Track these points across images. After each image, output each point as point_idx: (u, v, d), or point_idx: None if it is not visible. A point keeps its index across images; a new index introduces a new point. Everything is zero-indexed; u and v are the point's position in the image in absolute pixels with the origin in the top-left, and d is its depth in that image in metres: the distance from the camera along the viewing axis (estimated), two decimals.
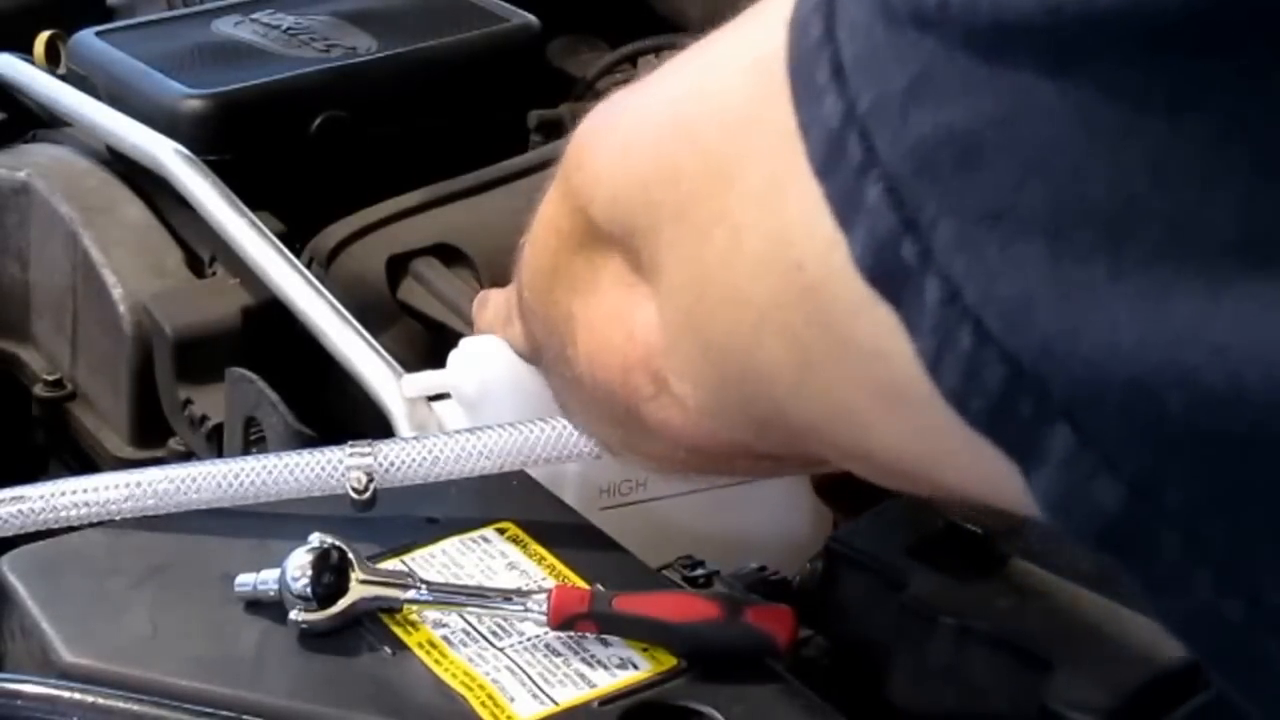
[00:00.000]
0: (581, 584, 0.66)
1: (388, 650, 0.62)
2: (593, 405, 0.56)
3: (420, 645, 0.63)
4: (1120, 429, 0.32)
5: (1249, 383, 0.30)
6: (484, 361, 0.81)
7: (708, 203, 0.42)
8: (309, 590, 0.63)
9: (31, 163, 1.16)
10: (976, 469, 0.35)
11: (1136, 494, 0.33)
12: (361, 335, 0.91)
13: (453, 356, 0.83)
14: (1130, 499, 0.33)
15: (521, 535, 0.69)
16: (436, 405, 0.84)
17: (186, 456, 1.01)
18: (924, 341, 0.34)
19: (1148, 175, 0.30)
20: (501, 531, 0.69)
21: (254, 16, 1.25)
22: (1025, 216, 0.32)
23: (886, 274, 0.34)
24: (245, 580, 0.64)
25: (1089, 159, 0.31)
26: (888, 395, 0.37)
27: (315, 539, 0.64)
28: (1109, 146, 0.30)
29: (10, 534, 0.68)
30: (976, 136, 0.32)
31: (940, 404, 0.34)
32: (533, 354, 0.65)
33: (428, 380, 0.84)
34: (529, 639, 0.63)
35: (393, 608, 0.64)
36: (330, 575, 0.63)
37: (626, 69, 1.29)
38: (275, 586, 0.63)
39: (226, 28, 1.24)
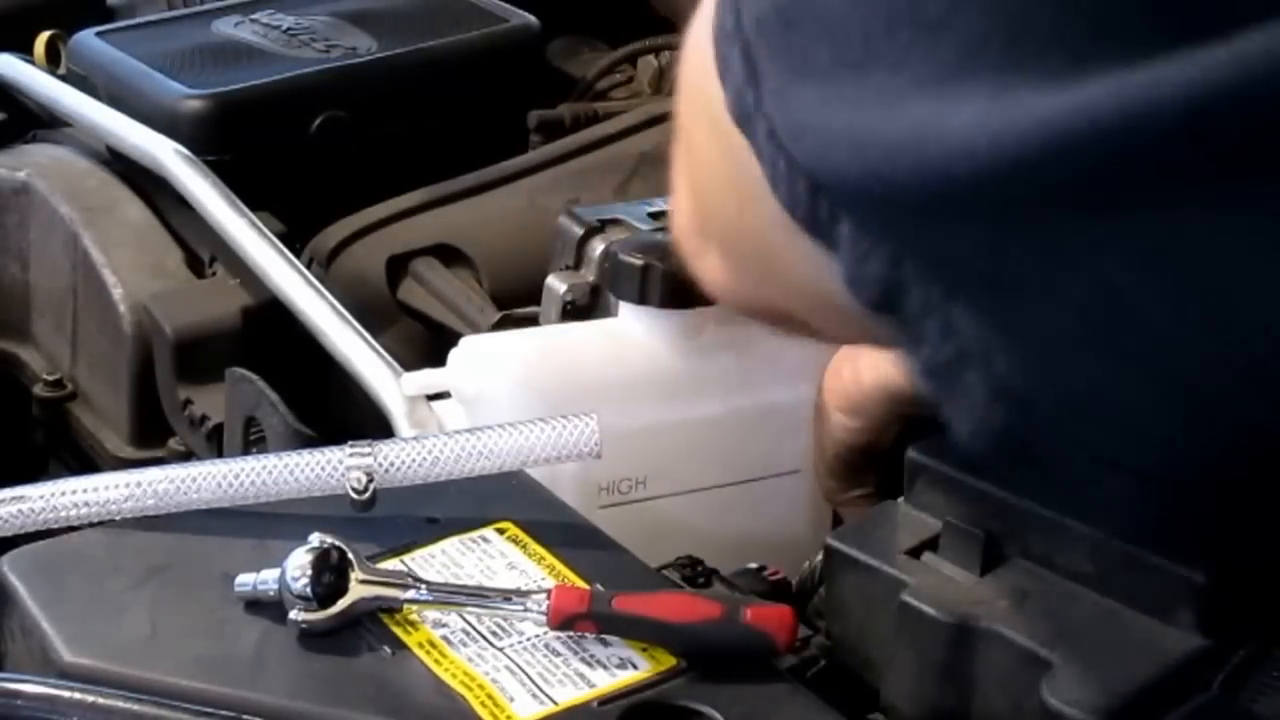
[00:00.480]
0: (581, 584, 0.66)
1: (387, 650, 0.62)
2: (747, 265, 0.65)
3: (420, 645, 0.63)
4: (873, 215, 0.43)
5: (932, 172, 0.40)
6: (484, 361, 0.81)
7: (692, 86, 0.52)
8: (309, 590, 0.63)
9: (32, 163, 1.16)
10: (819, 268, 0.46)
11: (891, 265, 0.44)
12: (361, 335, 0.91)
13: (453, 355, 0.83)
14: (890, 272, 0.44)
15: (521, 535, 0.69)
16: (436, 404, 0.84)
17: (186, 456, 1.01)
18: (764, 168, 0.45)
19: (883, 23, 0.40)
20: (501, 531, 0.69)
21: (254, 17, 1.25)
22: (812, 67, 0.43)
23: (740, 117, 0.46)
24: (245, 580, 0.64)
25: (849, 20, 0.41)
26: (777, 224, 0.46)
27: (315, 539, 0.64)
28: (863, 14, 0.41)
29: (10, 534, 0.68)
30: (790, 9, 0.43)
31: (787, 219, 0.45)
32: None
33: (427, 379, 0.84)
34: (528, 639, 0.63)
35: (392, 608, 0.64)
36: (330, 575, 0.63)
37: (626, 69, 1.30)
38: (275, 586, 0.63)
39: (226, 28, 1.24)
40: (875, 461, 0.78)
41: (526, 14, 1.26)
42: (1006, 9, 0.39)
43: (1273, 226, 0.38)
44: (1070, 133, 0.38)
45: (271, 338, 1.00)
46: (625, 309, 0.83)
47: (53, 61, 1.26)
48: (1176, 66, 0.36)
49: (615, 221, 0.90)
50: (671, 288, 0.81)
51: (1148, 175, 0.38)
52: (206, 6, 1.30)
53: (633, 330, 0.83)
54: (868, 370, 0.76)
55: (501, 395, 0.80)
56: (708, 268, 0.61)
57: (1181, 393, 0.42)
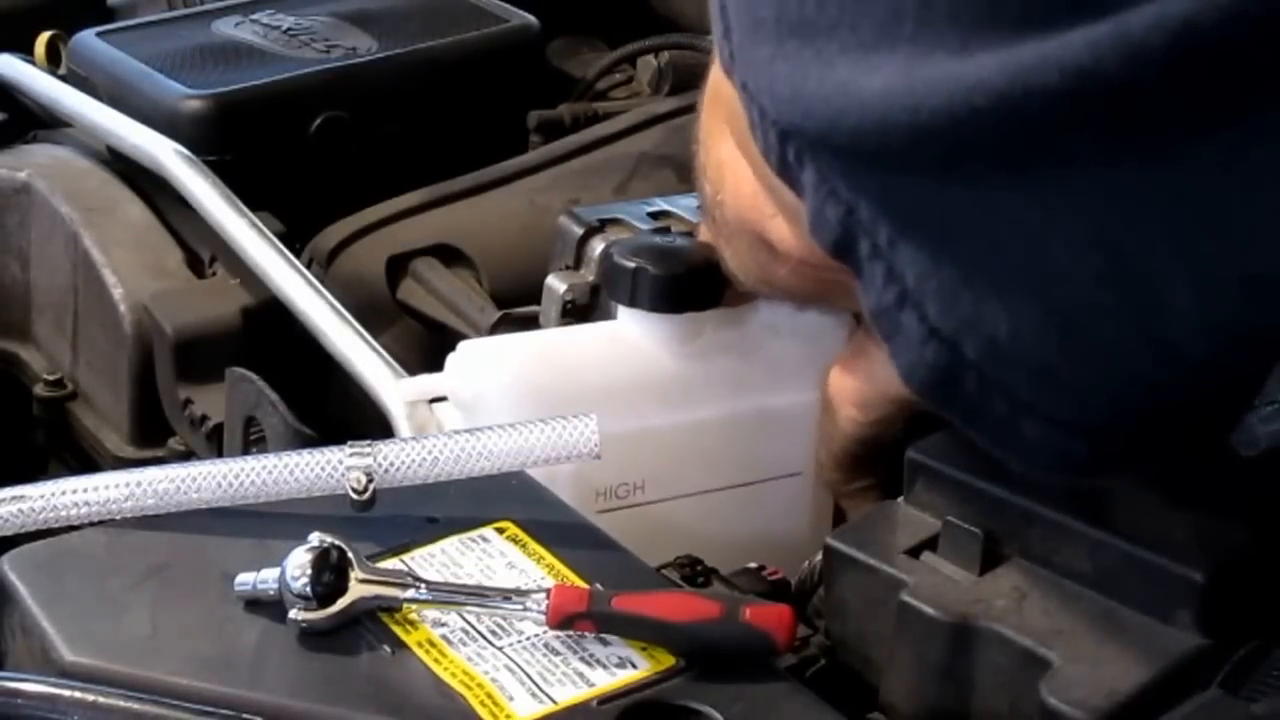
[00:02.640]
0: (580, 583, 0.66)
1: (387, 649, 0.62)
2: (740, 241, 0.73)
3: (420, 644, 0.63)
4: (831, 163, 0.47)
5: (878, 122, 0.44)
6: (480, 365, 0.81)
7: None
8: (309, 589, 0.63)
9: (32, 163, 1.16)
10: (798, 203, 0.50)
11: (848, 212, 0.48)
12: (361, 335, 0.91)
13: (450, 360, 0.83)
14: (844, 216, 0.48)
15: (520, 535, 0.69)
16: (435, 407, 0.84)
17: (186, 456, 1.02)
18: (746, 115, 0.50)
19: None
20: (500, 531, 0.69)
21: (254, 17, 1.25)
22: (762, 26, 0.47)
23: (724, 68, 0.51)
24: (245, 579, 0.64)
25: None
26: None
27: (315, 538, 0.64)
28: None
29: (10, 533, 0.68)
30: None
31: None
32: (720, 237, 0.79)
33: (424, 384, 0.84)
34: (528, 638, 0.63)
35: (392, 607, 0.64)
36: (330, 574, 0.63)
37: (626, 69, 1.30)
38: (275, 586, 0.63)
39: (227, 28, 1.24)
40: (880, 455, 0.79)
41: (526, 14, 1.26)
42: None
43: (1156, 180, 0.43)
44: (971, 99, 0.42)
45: (271, 338, 1.00)
46: (623, 312, 0.83)
47: (53, 62, 1.26)
48: (1057, 42, 0.41)
49: (615, 221, 0.90)
50: (662, 291, 0.81)
51: (1041, 136, 0.42)
52: (207, 7, 1.30)
53: (630, 333, 0.83)
54: (875, 365, 0.77)
55: (498, 399, 0.80)
56: (778, 228, 0.67)
57: (1086, 343, 0.47)
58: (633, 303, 0.82)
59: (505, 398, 0.79)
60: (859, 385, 0.78)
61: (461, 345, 0.83)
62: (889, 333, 0.50)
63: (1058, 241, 0.45)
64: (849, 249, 0.49)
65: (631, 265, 0.81)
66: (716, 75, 0.68)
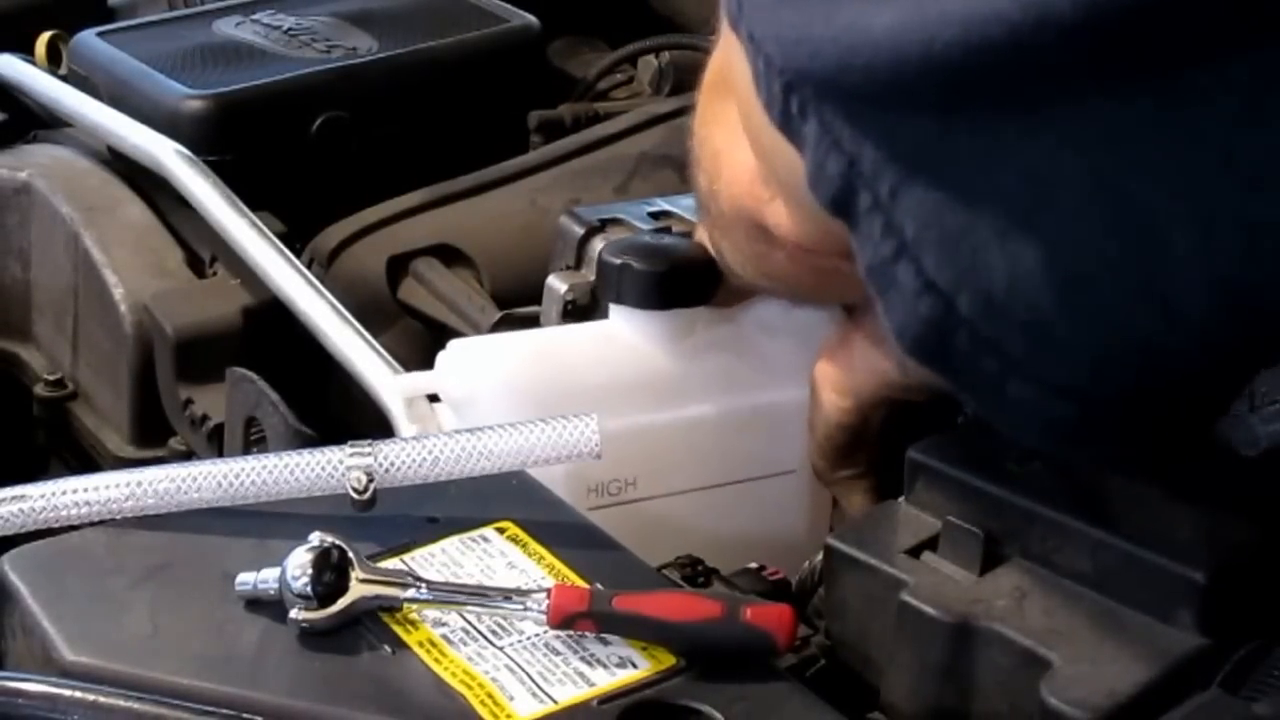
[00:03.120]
0: (581, 583, 0.66)
1: (388, 649, 0.62)
2: (736, 231, 0.73)
3: (420, 644, 0.63)
4: (836, 110, 0.47)
5: (890, 58, 0.44)
6: (471, 363, 0.81)
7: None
8: (309, 589, 0.63)
9: (33, 163, 1.16)
10: (799, 174, 0.50)
11: (850, 164, 0.48)
12: (362, 335, 0.91)
13: (440, 358, 0.83)
14: (846, 169, 0.48)
15: (521, 535, 0.69)
16: (435, 406, 0.84)
17: (187, 456, 1.02)
18: (750, 69, 0.50)
19: None
20: (501, 531, 0.69)
21: (255, 17, 1.25)
22: None
23: (731, 20, 0.51)
24: (246, 579, 0.64)
25: None
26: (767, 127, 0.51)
27: (315, 538, 0.64)
28: None
29: (11, 533, 0.68)
30: None
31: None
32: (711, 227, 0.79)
33: (417, 381, 0.84)
34: (528, 638, 0.63)
35: (393, 607, 0.64)
36: (330, 574, 0.63)
37: (626, 69, 1.30)
38: (275, 585, 0.63)
39: (227, 28, 1.24)
40: (864, 443, 0.79)
41: (527, 14, 1.26)
42: None
43: (1164, 119, 0.43)
44: (986, 29, 0.42)
45: (272, 338, 1.01)
46: (613, 310, 0.83)
47: (54, 62, 1.26)
48: None
49: (616, 221, 0.90)
50: (648, 287, 0.81)
51: (1053, 69, 0.42)
52: (207, 7, 1.30)
53: (620, 331, 0.83)
54: (860, 354, 0.77)
55: (489, 397, 0.80)
56: (775, 212, 0.66)
57: (1084, 296, 0.47)
58: (619, 299, 0.82)
59: (496, 395, 0.80)
60: (842, 373, 0.78)
61: (452, 343, 0.83)
62: (883, 288, 0.50)
63: (1062, 185, 0.45)
64: (848, 203, 0.49)
65: (618, 262, 0.82)
66: (718, 56, 0.68)
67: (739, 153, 0.66)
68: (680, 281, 0.82)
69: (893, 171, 0.47)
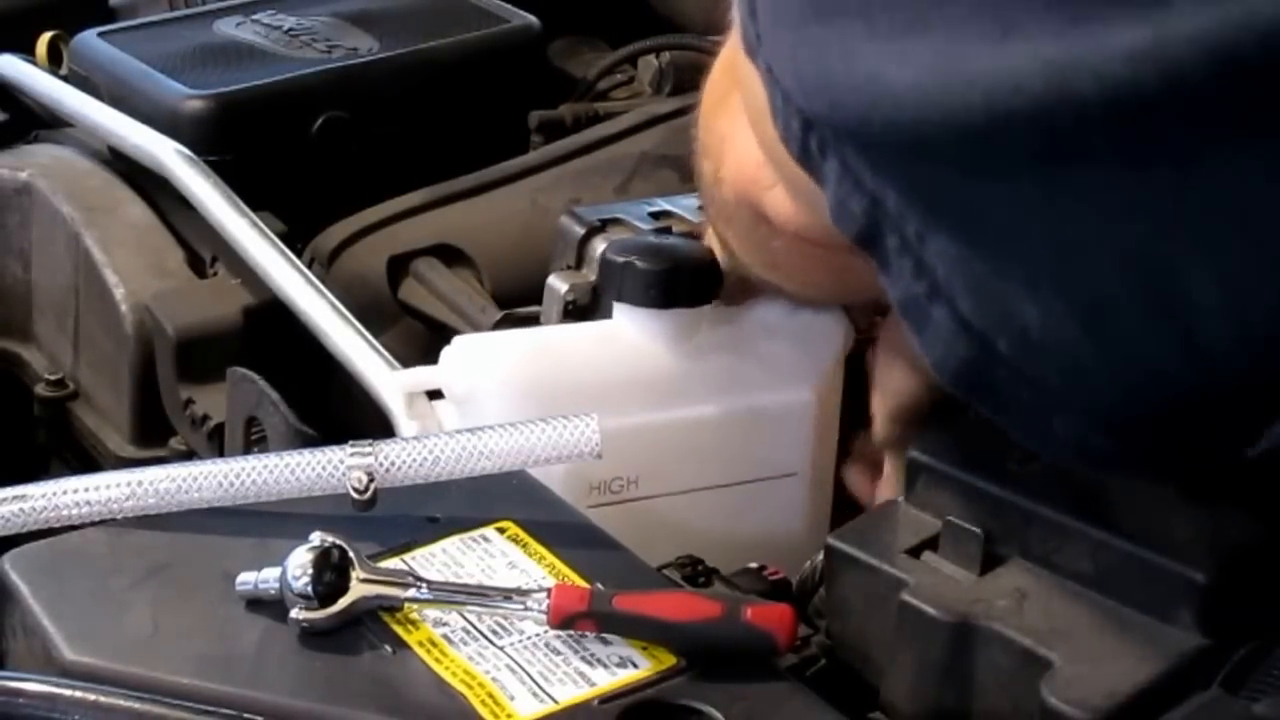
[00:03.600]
0: (581, 583, 0.66)
1: (388, 649, 0.63)
2: (738, 218, 0.72)
3: (421, 644, 0.63)
4: (857, 155, 0.47)
5: (912, 117, 0.43)
6: (475, 359, 0.81)
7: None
8: (310, 589, 0.63)
9: (34, 163, 1.16)
10: (818, 209, 0.50)
11: (873, 203, 0.47)
12: (362, 335, 0.91)
13: (445, 354, 0.83)
14: (869, 208, 0.48)
15: (521, 534, 0.69)
16: (435, 404, 0.85)
17: (188, 456, 1.01)
18: (770, 103, 0.49)
19: None
20: (501, 531, 0.69)
21: (255, 17, 1.25)
22: (786, 11, 0.47)
23: (747, 49, 0.51)
24: (246, 579, 0.64)
25: None
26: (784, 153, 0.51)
27: (316, 538, 0.64)
28: None
29: (12, 533, 0.68)
30: None
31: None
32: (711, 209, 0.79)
33: (419, 376, 0.85)
34: (529, 638, 0.63)
35: (393, 606, 0.64)
36: (331, 574, 0.63)
37: (627, 69, 1.30)
38: (276, 585, 0.63)
39: (228, 28, 1.24)
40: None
41: (527, 14, 1.26)
42: None
43: (1188, 186, 0.42)
44: (1009, 101, 0.41)
45: (273, 337, 1.00)
46: (619, 309, 0.83)
47: (54, 62, 1.26)
48: (1096, 45, 0.40)
49: (616, 221, 0.90)
50: (651, 286, 0.81)
51: (1074, 141, 0.42)
52: (208, 7, 1.30)
53: (625, 330, 0.83)
54: None
55: (492, 394, 0.80)
56: (776, 200, 0.66)
57: (1113, 338, 0.47)
58: (621, 297, 0.82)
59: (499, 392, 0.80)
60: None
61: (456, 340, 0.83)
62: (919, 325, 0.49)
63: (1086, 244, 0.45)
64: (874, 241, 0.49)
65: (622, 260, 0.82)
66: (734, 52, 0.68)
67: (744, 139, 0.65)
68: (684, 281, 0.82)
69: (917, 216, 0.47)
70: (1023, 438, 0.54)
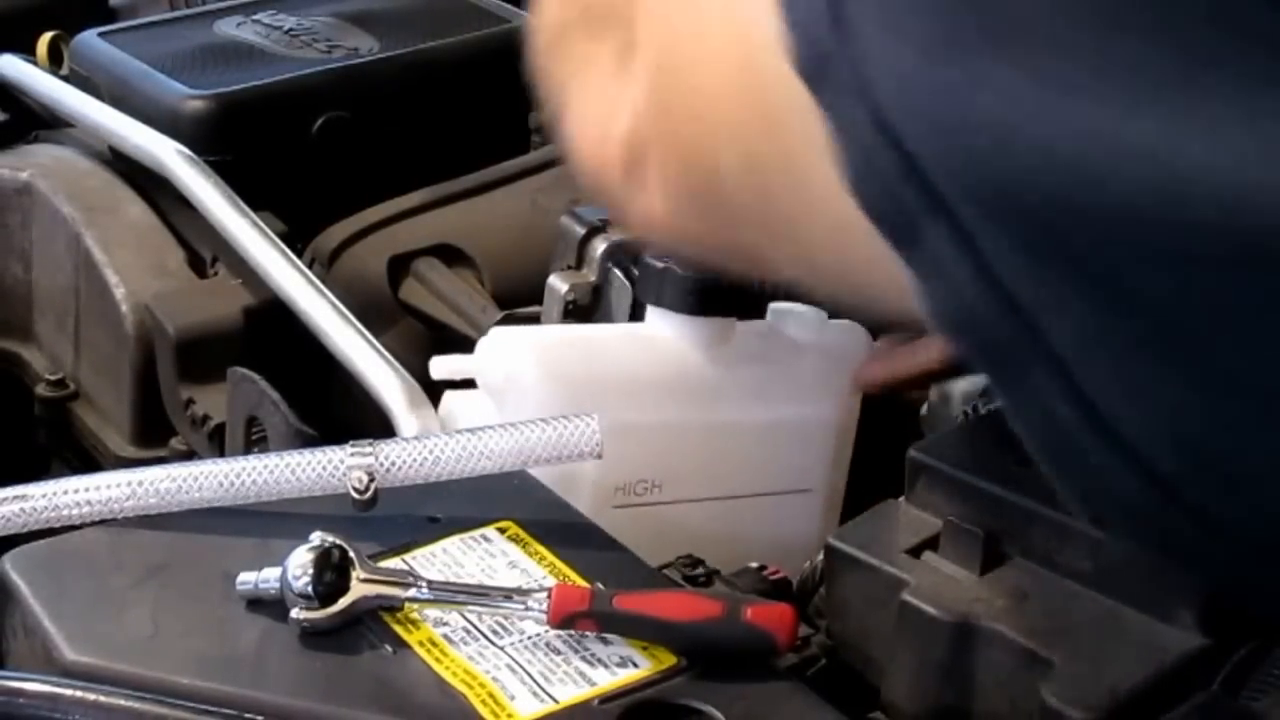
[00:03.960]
0: (582, 583, 0.66)
1: (389, 648, 0.63)
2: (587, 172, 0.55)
3: (421, 643, 0.63)
4: (993, 237, 0.34)
5: (1112, 191, 0.32)
6: (511, 351, 0.82)
7: None
8: (310, 589, 0.63)
9: (34, 163, 1.16)
10: (869, 261, 0.38)
11: (1009, 303, 0.35)
12: (363, 335, 0.91)
13: (481, 344, 0.83)
14: (1004, 306, 0.35)
15: (522, 534, 0.69)
16: (464, 392, 0.85)
17: (188, 456, 1.01)
18: (834, 134, 0.36)
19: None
20: (502, 530, 0.69)
21: (256, 17, 1.25)
22: (950, 36, 0.34)
23: (810, 70, 0.37)
24: (247, 579, 0.64)
25: None
26: (811, 190, 0.39)
27: (316, 538, 0.64)
28: None
29: (12, 533, 0.68)
30: None
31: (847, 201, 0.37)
32: None
33: (456, 364, 0.85)
34: (529, 637, 0.63)
35: (394, 606, 0.64)
36: (331, 574, 0.63)
37: None
38: (277, 585, 0.63)
39: (228, 29, 1.24)
40: None
41: (527, 14, 1.26)
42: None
43: None
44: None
45: (273, 338, 1.01)
46: (653, 312, 0.84)
47: (55, 62, 1.26)
48: None
49: None
50: (688, 292, 0.82)
51: None
52: (208, 7, 1.30)
53: (660, 332, 0.84)
54: None
55: (527, 385, 0.80)
56: (644, 194, 0.50)
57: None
58: (659, 301, 0.83)
59: (534, 384, 0.80)
60: None
61: (494, 330, 0.84)
62: (1065, 461, 0.37)
63: None
64: (1002, 359, 0.36)
65: (660, 265, 0.83)
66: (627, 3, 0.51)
67: (597, 111, 0.51)
68: (720, 289, 0.83)
69: (1085, 327, 0.34)
70: (1186, 569, 0.47)
